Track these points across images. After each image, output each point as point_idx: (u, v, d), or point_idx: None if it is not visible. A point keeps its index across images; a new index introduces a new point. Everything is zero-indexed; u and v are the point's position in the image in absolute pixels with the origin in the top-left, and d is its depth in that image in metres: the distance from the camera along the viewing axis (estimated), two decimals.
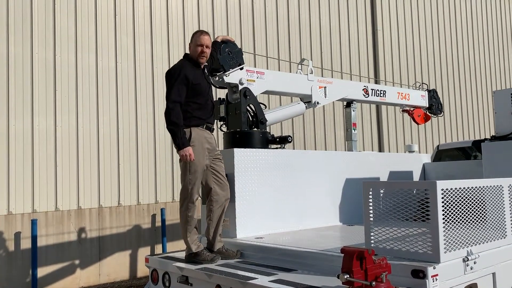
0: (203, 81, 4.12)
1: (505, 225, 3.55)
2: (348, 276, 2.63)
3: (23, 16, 7.15)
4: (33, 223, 6.78)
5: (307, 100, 5.74)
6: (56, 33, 7.42)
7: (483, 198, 3.38)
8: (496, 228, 3.48)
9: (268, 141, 4.95)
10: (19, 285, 6.74)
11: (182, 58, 4.19)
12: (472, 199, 3.27)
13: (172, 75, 4.00)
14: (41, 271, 6.91)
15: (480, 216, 3.34)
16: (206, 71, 4.25)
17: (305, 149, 10.13)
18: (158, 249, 8.09)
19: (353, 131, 6.25)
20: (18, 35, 7.10)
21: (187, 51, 4.26)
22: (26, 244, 6.83)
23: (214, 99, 4.95)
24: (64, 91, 7.43)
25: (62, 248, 7.17)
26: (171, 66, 4.24)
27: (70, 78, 7.50)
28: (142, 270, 7.82)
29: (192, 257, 3.99)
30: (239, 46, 4.99)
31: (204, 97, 4.10)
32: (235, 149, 4.49)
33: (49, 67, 7.32)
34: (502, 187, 3.57)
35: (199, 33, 4.14)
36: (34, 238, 6.76)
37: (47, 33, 7.34)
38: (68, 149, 7.37)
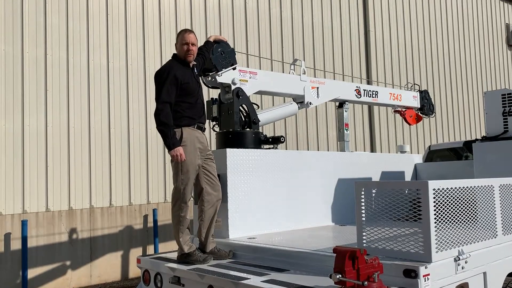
0: (192, 81, 4.11)
1: (495, 225, 3.58)
2: (340, 276, 2.63)
3: (13, 14, 7.09)
4: (24, 223, 6.72)
5: (299, 101, 5.75)
6: (47, 31, 7.36)
7: (474, 198, 3.40)
8: (487, 228, 3.50)
9: (260, 141, 4.94)
10: (9, 286, 6.68)
11: (170, 58, 4.18)
12: (463, 199, 3.29)
13: (161, 76, 3.99)
14: (32, 273, 6.85)
15: (471, 216, 3.36)
16: (195, 70, 4.24)
17: (297, 149, 10.14)
18: (150, 249, 8.06)
19: (345, 131, 6.26)
20: (9, 33, 7.03)
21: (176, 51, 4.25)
22: (16, 245, 6.76)
23: (207, 99, 4.95)
24: (55, 90, 7.37)
25: (53, 249, 7.12)
26: (163, 65, 4.23)
27: (61, 77, 7.45)
28: (134, 271, 7.78)
29: (184, 258, 3.97)
30: (231, 46, 4.98)
31: (194, 97, 4.10)
32: (228, 149, 4.48)
33: (40, 65, 7.26)
34: (493, 187, 3.59)
35: (183, 32, 4.15)
36: (24, 239, 6.69)
37: (38, 31, 7.28)
38: (59, 149, 7.32)
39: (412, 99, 7.18)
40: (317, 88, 5.80)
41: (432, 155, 8.14)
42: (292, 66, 5.83)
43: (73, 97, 7.53)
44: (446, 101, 14.08)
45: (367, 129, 11.92)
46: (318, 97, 5.82)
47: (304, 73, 5.69)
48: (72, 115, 7.48)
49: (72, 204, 7.36)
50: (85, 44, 7.72)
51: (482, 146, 5.42)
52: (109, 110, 7.88)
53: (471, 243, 3.29)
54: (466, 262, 3.17)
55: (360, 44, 11.98)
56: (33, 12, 7.26)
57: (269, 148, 5.02)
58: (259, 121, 5.05)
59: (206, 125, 4.32)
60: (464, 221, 3.28)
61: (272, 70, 9.41)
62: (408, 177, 6.46)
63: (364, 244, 3.27)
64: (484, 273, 3.37)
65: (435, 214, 2.99)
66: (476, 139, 5.68)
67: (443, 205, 3.08)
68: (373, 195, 3.31)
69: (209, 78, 4.83)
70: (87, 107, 7.66)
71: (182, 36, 4.11)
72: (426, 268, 2.87)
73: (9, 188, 6.84)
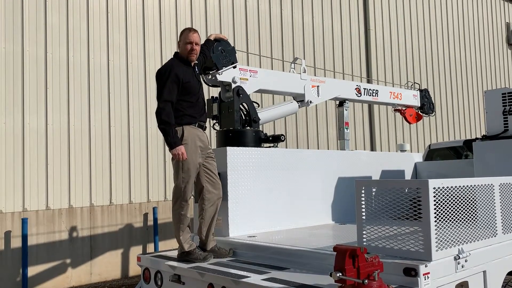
0: (193, 79, 4.11)
1: (495, 223, 3.58)
2: (340, 274, 2.64)
3: (13, 12, 7.08)
4: (24, 222, 6.72)
5: (300, 99, 5.75)
6: (47, 29, 7.35)
7: (474, 196, 3.40)
8: (487, 227, 3.50)
9: (261, 140, 4.95)
10: (9, 284, 6.68)
11: (172, 57, 4.18)
12: (463, 197, 3.29)
13: (163, 75, 3.99)
14: (32, 270, 6.85)
15: (471, 215, 3.36)
16: (196, 69, 4.24)
17: (297, 148, 10.14)
18: (150, 248, 8.06)
19: (345, 130, 6.27)
20: (9, 31, 7.02)
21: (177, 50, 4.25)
22: (16, 243, 6.77)
23: (207, 98, 4.95)
24: (56, 88, 7.37)
25: (53, 247, 7.12)
26: (163, 63, 4.23)
27: (62, 76, 7.44)
28: (134, 269, 7.79)
29: (184, 256, 3.98)
30: (232, 45, 4.98)
31: (195, 95, 4.10)
32: (228, 148, 4.49)
33: (40, 64, 7.25)
34: (493, 186, 3.60)
35: (187, 31, 4.13)
36: (24, 237, 6.70)
37: (38, 30, 7.27)
38: (60, 147, 7.32)
39: (412, 98, 7.18)
40: (318, 86, 5.81)
41: (432, 154, 8.13)
42: (293, 65, 5.84)
43: (73, 95, 7.53)
44: (446, 100, 14.07)
45: (367, 128, 11.92)
46: (318, 96, 5.82)
47: (305, 72, 5.69)
48: (72, 113, 7.48)
49: (72, 202, 7.36)
50: (85, 42, 7.71)
51: (482, 145, 5.42)
52: (109, 108, 7.87)
53: (471, 241, 3.29)
54: (466, 261, 3.18)
55: (361, 42, 11.98)
56: (33, 10, 7.25)
57: (270, 147, 5.02)
58: (260, 119, 5.05)
59: (207, 124, 4.33)
60: (464, 220, 3.29)
61: (272, 69, 9.40)
62: (408, 175, 6.46)
63: (364, 243, 3.27)
64: (484, 272, 3.38)
65: (435, 213, 3.00)
66: (476, 138, 5.68)
67: (443, 204, 3.09)
68: (373, 193, 3.32)
69: (210, 77, 4.83)
70: (87, 105, 7.65)
71: (186, 35, 4.09)
72: (426, 266, 2.88)
73: (9, 186, 6.84)
